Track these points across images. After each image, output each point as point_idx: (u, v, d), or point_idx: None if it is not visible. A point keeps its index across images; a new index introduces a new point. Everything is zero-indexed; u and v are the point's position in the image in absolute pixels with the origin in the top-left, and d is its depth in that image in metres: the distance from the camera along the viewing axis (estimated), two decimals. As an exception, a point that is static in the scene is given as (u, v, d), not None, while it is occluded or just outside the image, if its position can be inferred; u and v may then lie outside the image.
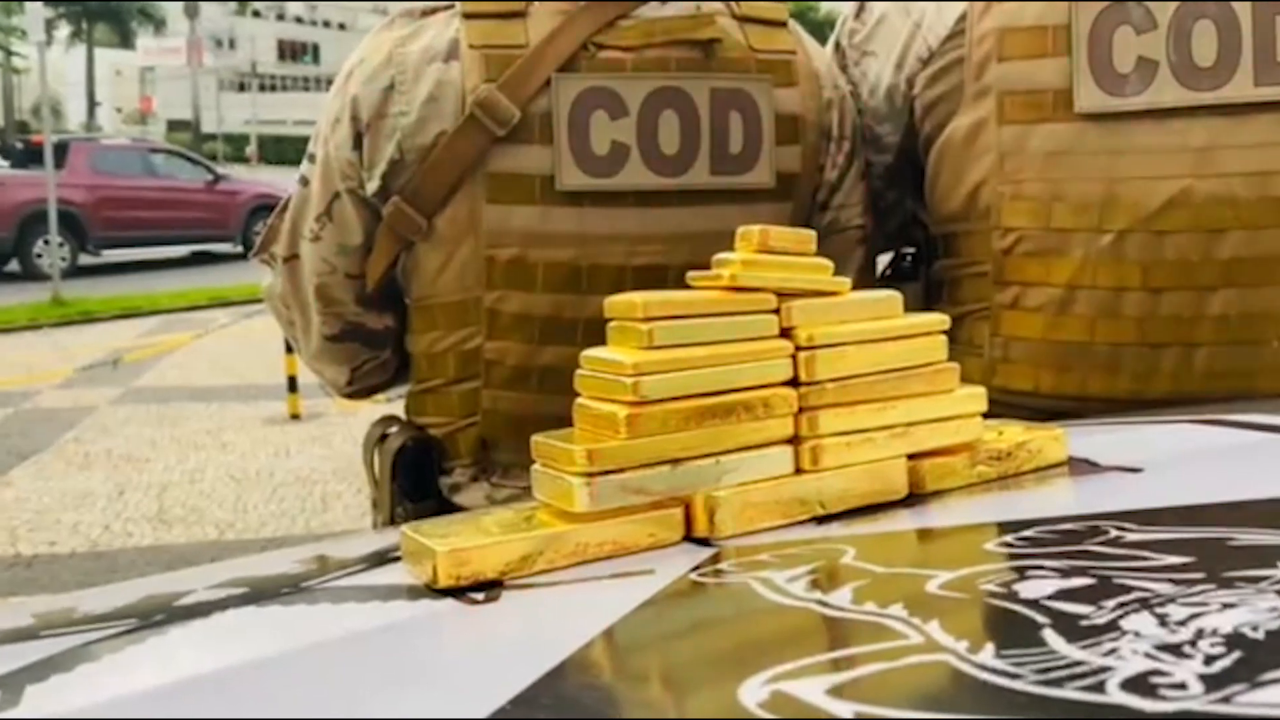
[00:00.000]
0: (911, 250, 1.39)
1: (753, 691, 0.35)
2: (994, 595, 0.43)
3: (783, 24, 1.17)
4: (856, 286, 1.28)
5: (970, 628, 0.39)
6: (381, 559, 0.65)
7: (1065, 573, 0.45)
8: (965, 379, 1.22)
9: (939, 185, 1.21)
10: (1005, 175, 1.12)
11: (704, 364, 0.63)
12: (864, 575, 0.49)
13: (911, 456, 0.69)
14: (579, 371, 0.65)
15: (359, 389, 1.34)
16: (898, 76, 1.22)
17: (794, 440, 0.66)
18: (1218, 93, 1.04)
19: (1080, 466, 0.74)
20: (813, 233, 0.69)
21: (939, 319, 0.71)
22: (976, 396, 0.72)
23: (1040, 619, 0.39)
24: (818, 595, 0.46)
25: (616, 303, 0.64)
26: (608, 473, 0.60)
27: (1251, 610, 0.37)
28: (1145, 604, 0.39)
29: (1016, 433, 0.75)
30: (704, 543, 0.62)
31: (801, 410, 0.66)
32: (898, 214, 1.33)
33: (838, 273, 1.30)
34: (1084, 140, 1.08)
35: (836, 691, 0.34)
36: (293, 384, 5.76)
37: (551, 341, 1.09)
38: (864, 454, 0.67)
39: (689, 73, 1.10)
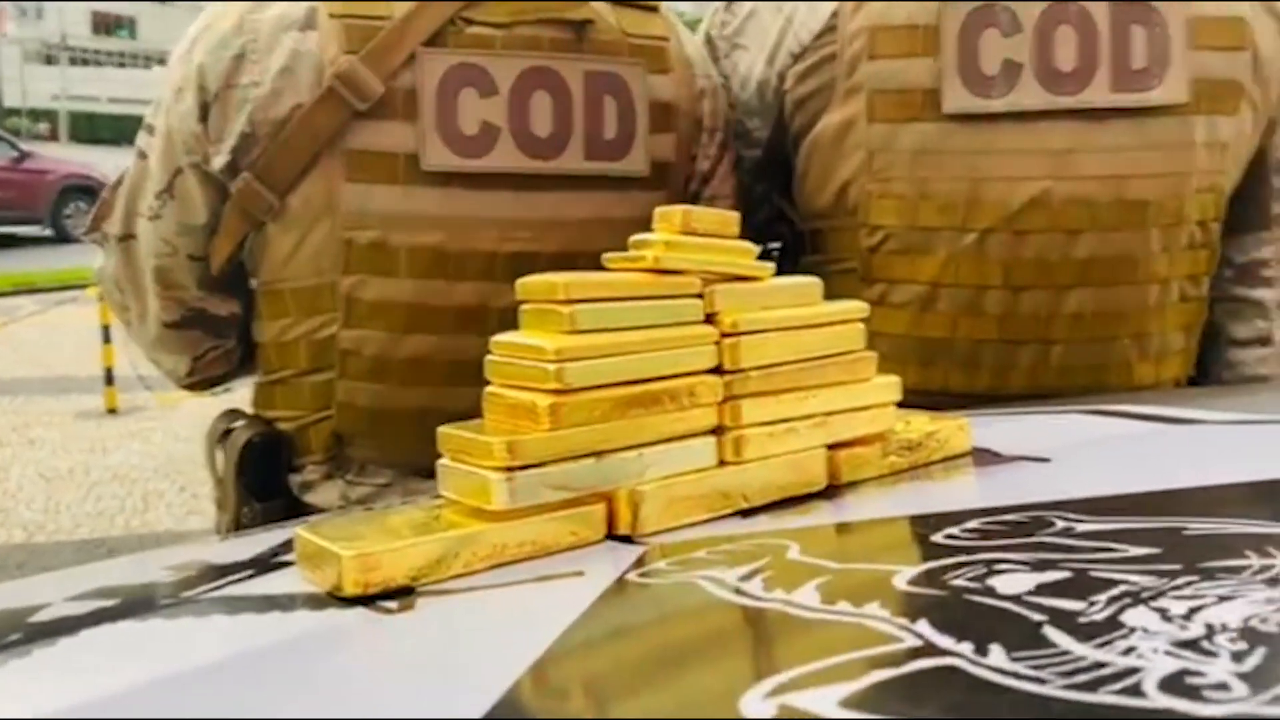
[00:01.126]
0: (778, 246, 1.39)
1: (755, 706, 0.31)
2: (971, 591, 0.41)
3: (654, 9, 1.15)
4: None
5: (963, 627, 0.36)
6: (269, 564, 0.59)
7: (1035, 566, 0.43)
8: None
9: (808, 181, 1.21)
10: (874, 173, 1.13)
11: (629, 350, 0.59)
12: (820, 572, 0.46)
13: (829, 447, 0.67)
14: (490, 358, 0.60)
15: (200, 380, 1.25)
16: (769, 71, 1.21)
17: (717, 431, 0.63)
18: (1077, 97, 1.06)
19: (984, 456, 0.74)
20: (736, 215, 0.66)
21: (858, 306, 0.70)
22: (891, 385, 0.71)
23: (1034, 616, 0.37)
24: (780, 595, 0.43)
25: (533, 284, 0.60)
26: (528, 467, 0.55)
27: (1250, 603, 0.36)
28: (1136, 598, 0.38)
29: (923, 423, 0.74)
30: (626, 540, 0.58)
31: (725, 399, 0.63)
32: (764, 209, 1.33)
33: None
34: (950, 140, 1.10)
35: (852, 703, 0.30)
36: (109, 376, 5.42)
37: (415, 330, 1.03)
38: (786, 444, 0.65)
39: (561, 54, 1.06)
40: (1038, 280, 1.10)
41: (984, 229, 1.10)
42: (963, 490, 0.64)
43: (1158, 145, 1.07)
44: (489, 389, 0.60)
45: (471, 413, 1.08)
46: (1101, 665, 0.31)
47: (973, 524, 0.52)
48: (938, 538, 0.50)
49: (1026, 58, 1.07)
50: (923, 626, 0.37)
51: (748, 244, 0.66)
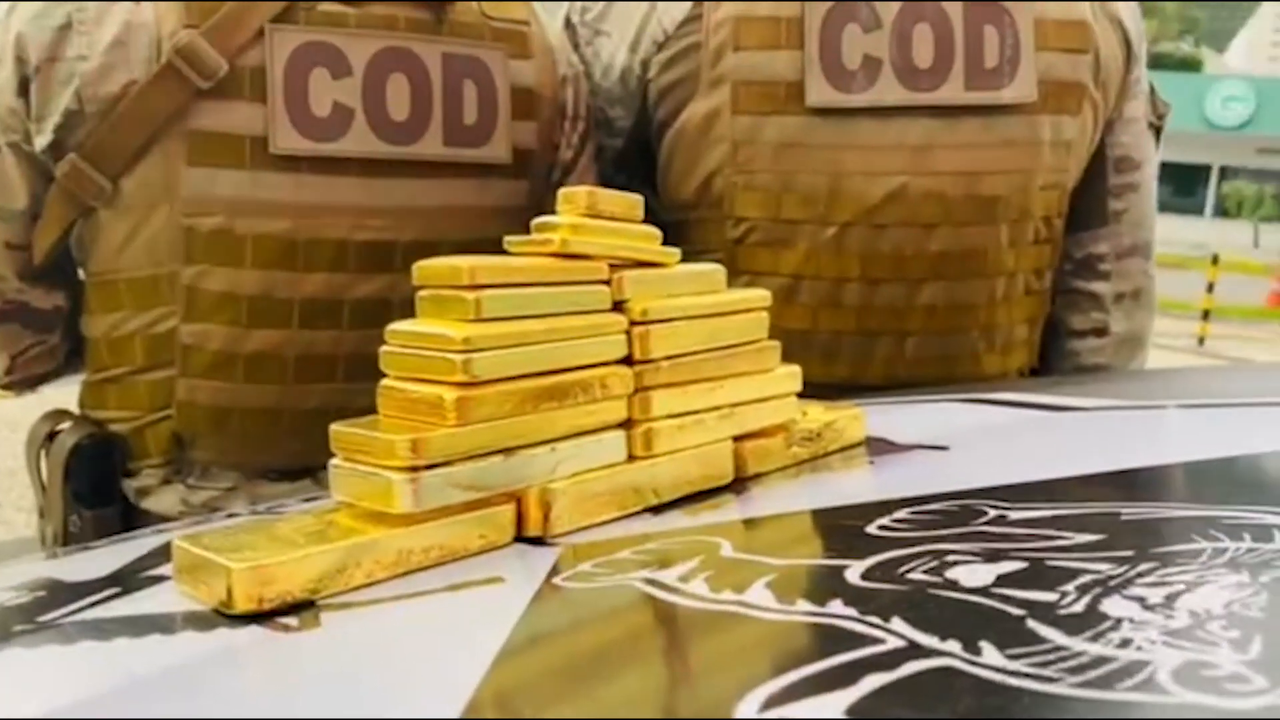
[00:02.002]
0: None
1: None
2: (933, 586, 0.39)
3: None
4: None
5: (941, 624, 0.34)
6: (135, 579, 0.53)
7: (986, 556, 0.42)
8: None
9: (672, 172, 1.20)
10: (738, 165, 1.13)
11: (538, 339, 0.55)
12: (763, 569, 0.43)
13: (734, 439, 0.65)
14: (384, 349, 0.56)
15: (20, 379, 1.15)
16: (632, 59, 1.20)
17: (626, 424, 0.60)
18: (934, 94, 1.08)
19: (880, 445, 0.73)
20: (640, 198, 0.63)
21: (762, 295, 0.68)
22: (793, 375, 0.69)
23: (1010, 610, 0.35)
24: (731, 596, 0.40)
25: (433, 267, 0.55)
26: (433, 466, 0.51)
27: (1222, 587, 0.35)
28: (1106, 586, 0.37)
29: (820, 412, 0.73)
30: (536, 542, 0.55)
31: (635, 391, 0.60)
32: None
33: None
34: (813, 134, 1.10)
35: (859, 711, 0.28)
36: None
37: (261, 324, 0.97)
38: (695, 437, 0.62)
39: (419, 35, 1.01)
40: (894, 273, 1.12)
41: (844, 222, 1.11)
42: (876, 480, 0.63)
43: (1007, 143, 1.11)
44: (385, 383, 0.55)
45: (323, 411, 1.03)
46: (1105, 660, 0.30)
47: (902, 514, 0.51)
48: (872, 529, 0.48)
49: (886, 54, 1.09)
50: (898, 625, 0.35)
51: (652, 228, 0.63)
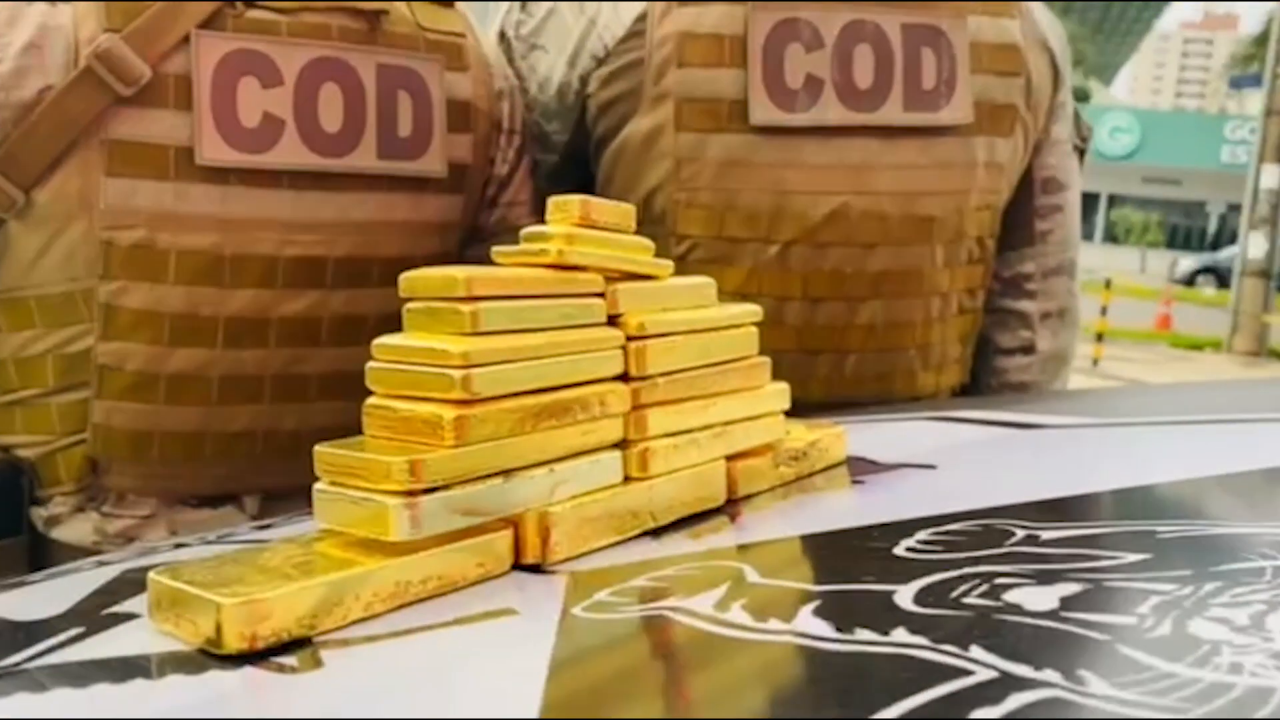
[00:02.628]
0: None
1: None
2: (997, 610, 0.37)
3: (450, 4, 1.09)
4: None
5: (1028, 652, 0.32)
6: (98, 617, 0.48)
7: (1038, 578, 0.40)
8: None
9: (612, 188, 1.18)
10: (681, 182, 1.11)
11: (536, 354, 0.52)
12: (802, 595, 0.41)
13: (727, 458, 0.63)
14: (371, 365, 0.52)
15: None
16: (570, 74, 1.18)
17: (622, 444, 0.57)
18: (873, 115, 1.09)
19: (863, 465, 0.71)
20: (631, 207, 0.61)
21: (752, 309, 0.66)
22: (781, 393, 0.67)
23: (1093, 635, 0.34)
24: (779, 624, 0.38)
25: (424, 278, 0.52)
26: (431, 490, 0.47)
27: (1304, 606, 0.34)
28: (1181, 608, 0.35)
29: (803, 431, 0.71)
30: (534, 570, 0.51)
31: (631, 409, 0.57)
32: None
33: None
34: (757, 152, 1.10)
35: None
36: None
37: (184, 343, 0.92)
38: (689, 457, 0.60)
39: (353, 44, 0.97)
40: (834, 292, 1.11)
41: (786, 241, 1.11)
42: (876, 500, 0.61)
43: (944, 164, 1.11)
44: (372, 401, 0.51)
45: (249, 434, 0.98)
46: (1225, 687, 0.28)
47: (923, 535, 0.49)
48: (900, 551, 0.46)
49: (828, 74, 1.09)
50: (980, 653, 0.33)
51: (644, 240, 0.61)
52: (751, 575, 0.45)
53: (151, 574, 0.45)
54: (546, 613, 0.43)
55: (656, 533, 0.57)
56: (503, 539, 0.51)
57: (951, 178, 1.12)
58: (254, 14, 0.92)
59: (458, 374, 0.48)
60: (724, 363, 0.62)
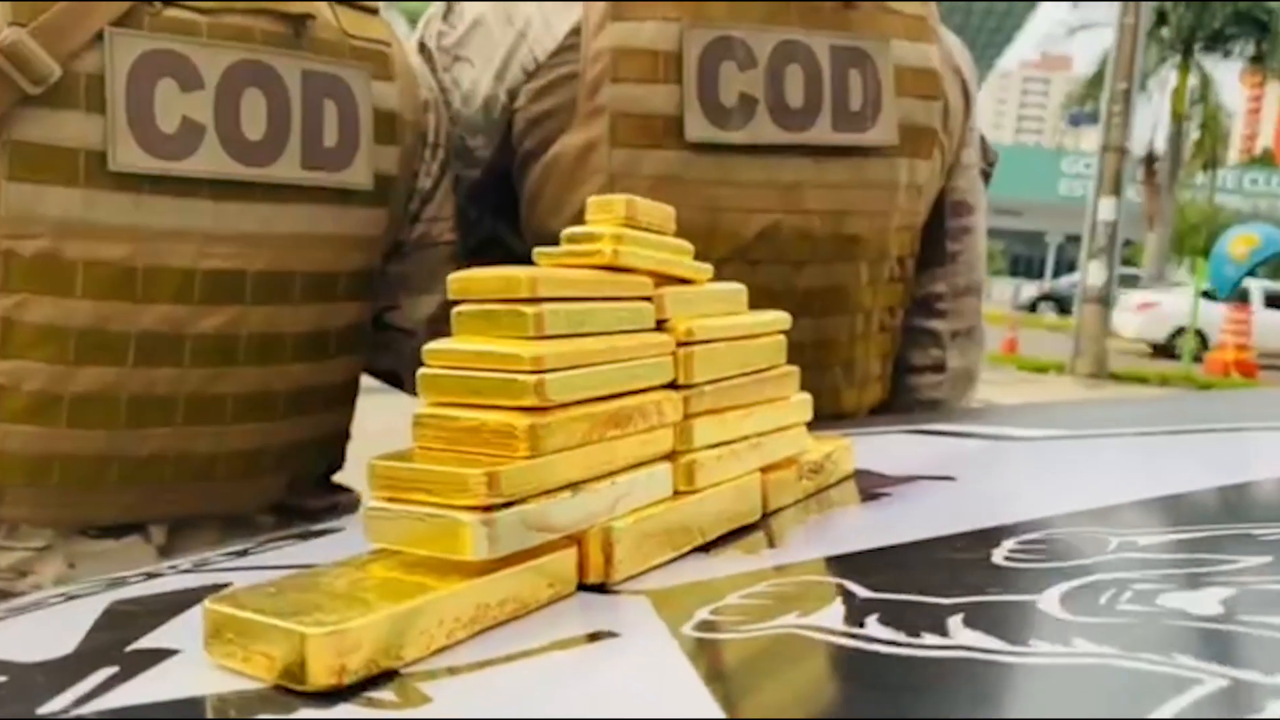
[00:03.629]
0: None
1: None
2: (1164, 615, 0.36)
3: (374, 10, 1.05)
4: (444, 308, 1.19)
5: (1244, 659, 0.31)
6: (124, 655, 0.43)
7: (1181, 583, 0.39)
8: None
9: (541, 205, 1.16)
10: None
11: (601, 359, 0.49)
12: (938, 608, 0.39)
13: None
14: (424, 371, 0.48)
15: None
16: (497, 87, 1.15)
17: (670, 455, 0.54)
18: (805, 134, 1.10)
19: (872, 479, 0.70)
20: (670, 209, 0.58)
21: (781, 317, 0.64)
22: (805, 404, 0.65)
23: (1288, 639, 0.33)
24: (936, 639, 0.36)
25: (479, 278, 0.48)
26: (508, 504, 0.44)
27: None
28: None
29: (815, 443, 0.70)
30: (597, 590, 0.48)
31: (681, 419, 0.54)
32: (476, 232, 1.26)
33: (425, 293, 1.21)
34: (691, 169, 1.10)
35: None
36: None
37: (91, 361, 0.86)
38: (730, 470, 0.57)
39: (278, 49, 0.93)
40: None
41: (720, 259, 1.11)
42: (919, 511, 0.60)
43: (870, 184, 1.13)
44: (424, 410, 0.47)
45: (159, 459, 0.92)
46: None
47: (1010, 544, 0.47)
48: (999, 560, 0.45)
49: (760, 92, 1.09)
50: (1191, 660, 0.31)
51: (683, 242, 0.58)
52: (859, 589, 0.43)
53: (208, 603, 0.40)
54: (650, 634, 0.40)
55: (707, 548, 0.54)
56: (569, 557, 0.47)
57: (877, 198, 1.14)
58: (172, 13, 0.87)
59: (530, 379, 0.45)
60: (759, 371, 0.60)
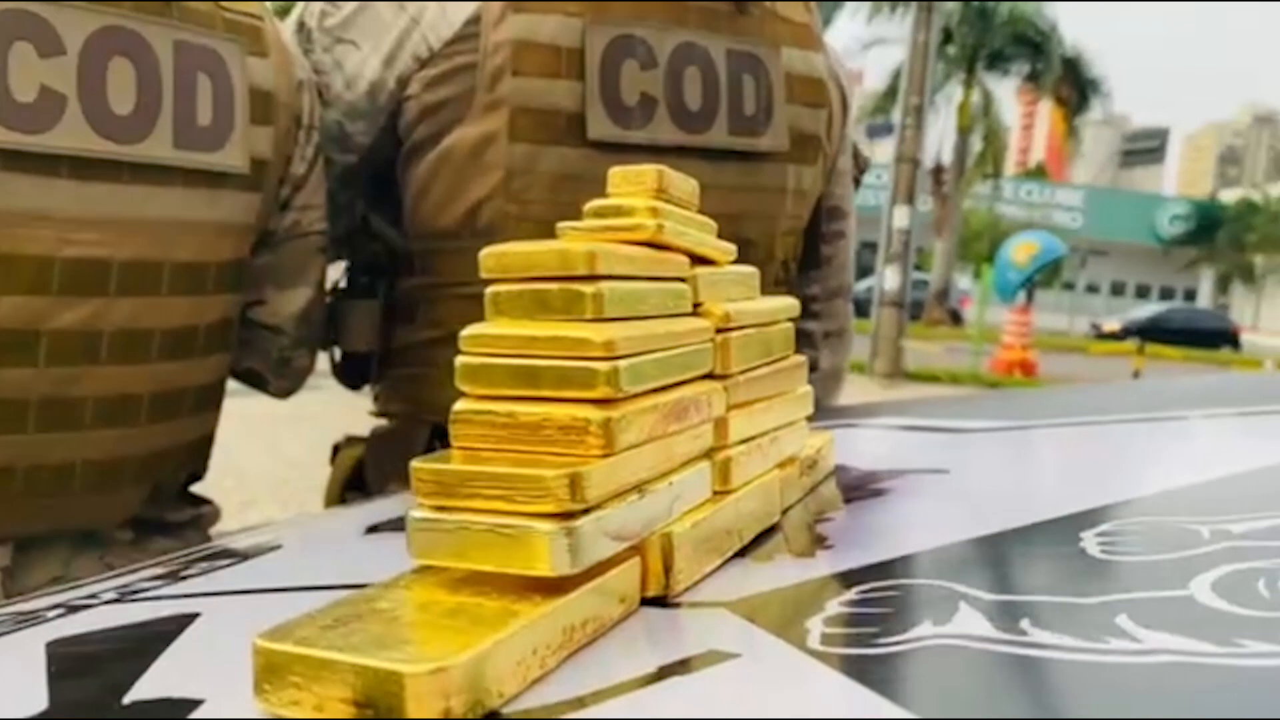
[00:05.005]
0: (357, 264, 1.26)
1: None
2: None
3: None
4: (314, 303, 1.11)
5: None
6: (138, 705, 0.35)
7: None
8: (451, 405, 1.12)
9: (430, 197, 1.11)
10: (512, 194, 1.06)
11: (662, 346, 0.44)
12: (1087, 609, 0.36)
13: (772, 469, 0.56)
14: (463, 360, 0.42)
15: None
16: (386, 73, 1.10)
17: (708, 452, 0.49)
18: (703, 137, 1.09)
19: (854, 474, 0.68)
20: (695, 182, 0.53)
21: (791, 303, 0.60)
22: (807, 397, 0.62)
23: None
24: (1125, 644, 0.32)
25: (523, 252, 0.42)
26: (586, 511, 0.38)
27: None
28: None
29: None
30: (657, 603, 0.43)
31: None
32: (344, 220, 1.19)
33: (294, 286, 1.13)
34: (592, 167, 1.07)
35: None
36: None
37: None
38: (755, 468, 0.53)
39: (147, 15, 0.84)
40: None
41: None
42: (939, 509, 0.57)
43: (762, 189, 1.14)
44: (465, 405, 0.41)
45: (6, 470, 0.81)
46: None
47: (1091, 534, 0.45)
48: (1095, 553, 0.42)
49: (661, 93, 1.08)
50: None
51: (709, 219, 0.53)
52: (971, 590, 0.39)
53: (260, 641, 0.32)
54: (776, 652, 0.35)
55: (742, 554, 0.50)
56: (634, 569, 0.42)
57: (768, 202, 1.14)
58: None
59: (604, 366, 0.39)
60: (776, 360, 0.56)
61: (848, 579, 0.43)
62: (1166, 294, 41.41)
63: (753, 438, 0.52)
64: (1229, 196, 42.82)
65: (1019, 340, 12.35)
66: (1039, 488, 0.57)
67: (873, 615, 0.38)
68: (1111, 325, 25.15)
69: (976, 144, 20.96)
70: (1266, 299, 40.52)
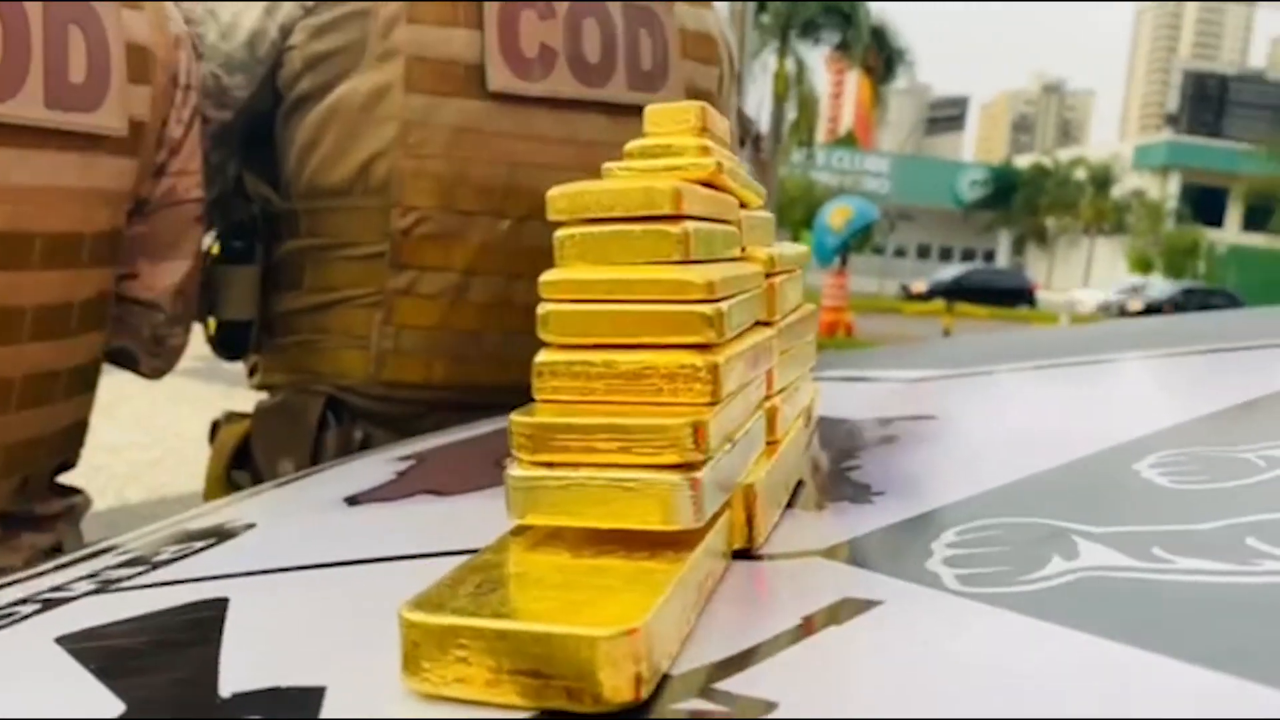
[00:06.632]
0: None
1: None
2: None
3: None
4: (191, 276, 1.05)
5: None
6: (250, 696, 0.31)
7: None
8: (345, 373, 1.08)
9: (317, 153, 1.06)
10: (409, 148, 1.03)
11: (743, 289, 0.42)
12: (1223, 534, 0.36)
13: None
14: (547, 307, 0.39)
15: None
16: (266, 21, 1.04)
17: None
18: (602, 90, 1.09)
19: (837, 424, 0.68)
20: (726, 120, 0.51)
21: (806, 250, 0.59)
22: (813, 346, 0.61)
23: None
24: (1249, 566, 0.33)
25: (607, 191, 0.39)
26: (704, 463, 0.36)
27: None
28: None
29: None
30: (744, 556, 0.41)
31: (770, 360, 0.48)
32: (218, 182, 1.14)
33: (169, 258, 1.06)
34: (492, 121, 1.05)
35: None
36: None
37: None
38: (790, 416, 0.52)
39: None
40: None
41: (519, 216, 1.07)
42: (958, 449, 0.57)
43: None
44: (549, 355, 0.38)
45: None
46: None
47: (1146, 464, 0.46)
48: (1159, 480, 0.43)
49: (560, 45, 1.07)
50: None
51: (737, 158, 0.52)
52: (1081, 525, 0.39)
53: (411, 614, 0.29)
54: (914, 598, 0.34)
55: (790, 504, 0.49)
56: (727, 521, 0.40)
57: None
58: None
59: (708, 310, 0.37)
60: (799, 307, 0.55)
61: (930, 523, 0.43)
62: (968, 255, 43.70)
63: (786, 387, 0.51)
64: (1022, 162, 45.43)
65: (837, 302, 12.78)
66: (1044, 427, 0.58)
67: (991, 554, 0.38)
68: (919, 286, 26.36)
69: (791, 112, 21.49)
70: (1058, 259, 43.25)
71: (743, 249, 0.47)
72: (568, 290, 0.38)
